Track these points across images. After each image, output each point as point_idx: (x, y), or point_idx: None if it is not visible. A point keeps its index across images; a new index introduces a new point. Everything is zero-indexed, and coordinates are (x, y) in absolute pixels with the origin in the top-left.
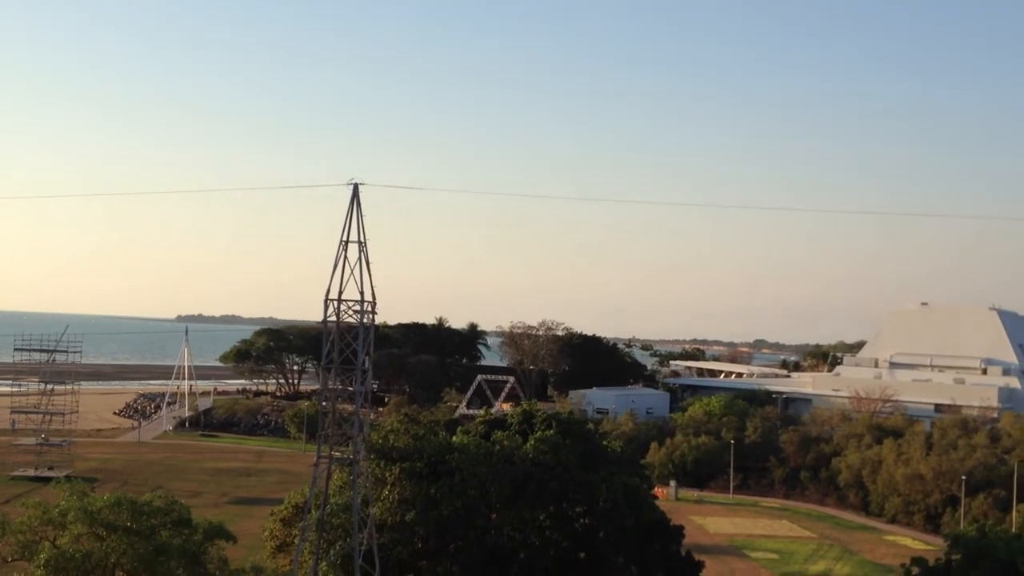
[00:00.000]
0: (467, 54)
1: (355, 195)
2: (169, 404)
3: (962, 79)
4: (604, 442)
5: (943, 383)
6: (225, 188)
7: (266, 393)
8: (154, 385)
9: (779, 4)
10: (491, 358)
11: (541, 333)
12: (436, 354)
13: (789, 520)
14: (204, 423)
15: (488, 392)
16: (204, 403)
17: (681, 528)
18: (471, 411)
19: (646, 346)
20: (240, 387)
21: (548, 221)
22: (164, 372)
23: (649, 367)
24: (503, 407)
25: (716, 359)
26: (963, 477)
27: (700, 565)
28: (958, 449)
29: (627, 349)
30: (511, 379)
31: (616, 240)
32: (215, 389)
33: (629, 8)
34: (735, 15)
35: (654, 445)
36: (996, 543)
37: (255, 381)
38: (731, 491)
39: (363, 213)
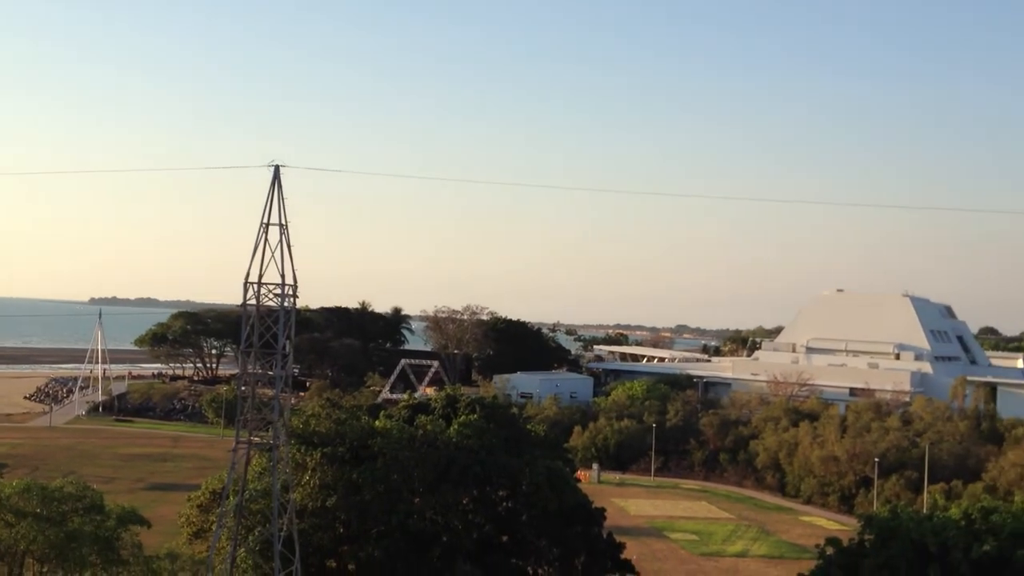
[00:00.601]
0: (400, 37)
1: (276, 177)
2: (82, 388)
3: (878, 70)
4: (528, 426)
5: (858, 368)
6: (143, 169)
7: (183, 377)
8: (66, 369)
9: None
10: (415, 343)
11: (466, 318)
12: (359, 338)
13: (708, 502)
14: (118, 408)
15: (412, 376)
16: (118, 387)
17: (603, 510)
18: (394, 396)
19: (570, 331)
20: (156, 371)
21: (473, 206)
22: (77, 356)
23: (573, 352)
24: (427, 391)
25: (639, 344)
26: (876, 459)
27: (621, 546)
28: (872, 432)
29: (552, 334)
30: (435, 363)
31: (541, 226)
32: (130, 373)
33: None
34: None
35: (577, 429)
36: (907, 523)
37: (172, 365)
38: (652, 473)
39: (285, 196)
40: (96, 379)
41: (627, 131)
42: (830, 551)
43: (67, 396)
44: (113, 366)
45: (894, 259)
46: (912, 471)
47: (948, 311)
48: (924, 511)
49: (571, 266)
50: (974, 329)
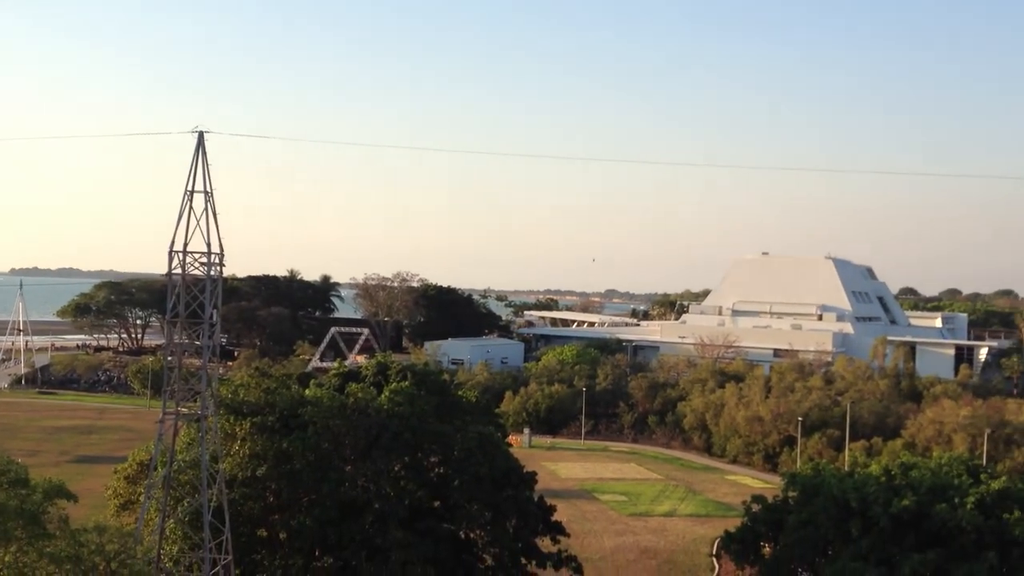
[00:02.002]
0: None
1: (200, 143)
2: (3, 361)
3: (807, 34)
4: (459, 392)
5: (782, 329)
6: (65, 136)
7: (108, 348)
8: None
9: None
10: (345, 310)
11: (396, 285)
12: (288, 307)
13: (637, 463)
14: (42, 380)
15: (342, 345)
16: (41, 359)
17: (534, 474)
18: (325, 364)
19: (501, 297)
20: (80, 342)
21: (403, 172)
22: None
23: (504, 318)
24: (357, 359)
25: (569, 309)
26: (799, 418)
27: (552, 509)
28: (795, 392)
29: (482, 300)
30: (365, 331)
31: (470, 191)
32: (53, 345)
33: None
34: None
35: (509, 394)
36: (829, 480)
37: (96, 336)
38: (583, 437)
39: (210, 163)
40: (18, 351)
41: (556, 92)
42: (756, 508)
43: None
44: (35, 338)
45: (818, 221)
46: (834, 429)
47: (869, 272)
48: (845, 468)
49: (501, 232)
50: (894, 290)
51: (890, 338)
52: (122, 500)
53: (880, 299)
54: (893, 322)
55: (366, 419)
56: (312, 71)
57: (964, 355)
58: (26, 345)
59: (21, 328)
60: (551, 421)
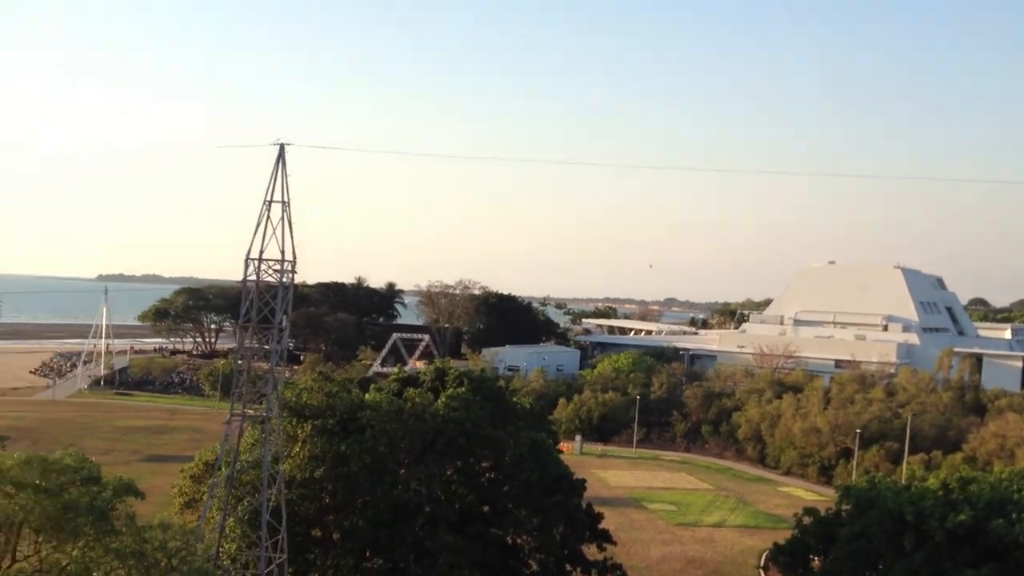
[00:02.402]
0: (404, 25)
1: (280, 155)
2: (85, 363)
3: (875, 39)
4: (514, 399)
5: (844, 339)
6: (151, 145)
7: (183, 352)
8: (71, 344)
9: None
10: (408, 317)
11: (458, 292)
12: (354, 313)
13: (688, 473)
14: (119, 381)
15: (403, 350)
16: (120, 362)
17: (583, 481)
18: (385, 369)
19: (560, 305)
20: (157, 346)
21: (467, 181)
22: (83, 331)
23: (562, 325)
24: (417, 365)
25: (627, 317)
26: (858, 431)
27: (599, 516)
28: (855, 403)
29: (541, 308)
30: (426, 337)
31: (534, 199)
32: (131, 348)
33: None
34: None
35: (562, 401)
36: (885, 493)
37: (172, 340)
38: (634, 445)
39: (288, 173)
40: (99, 353)
41: (627, 106)
42: (807, 520)
43: (71, 370)
44: (116, 341)
45: (888, 232)
46: (893, 442)
47: (939, 283)
48: (902, 482)
49: (564, 240)
50: (964, 300)
51: (957, 349)
52: (187, 498)
53: (949, 309)
54: (961, 333)
55: (422, 424)
56: (382, 85)
57: None
58: (107, 348)
59: (104, 331)
60: (603, 429)
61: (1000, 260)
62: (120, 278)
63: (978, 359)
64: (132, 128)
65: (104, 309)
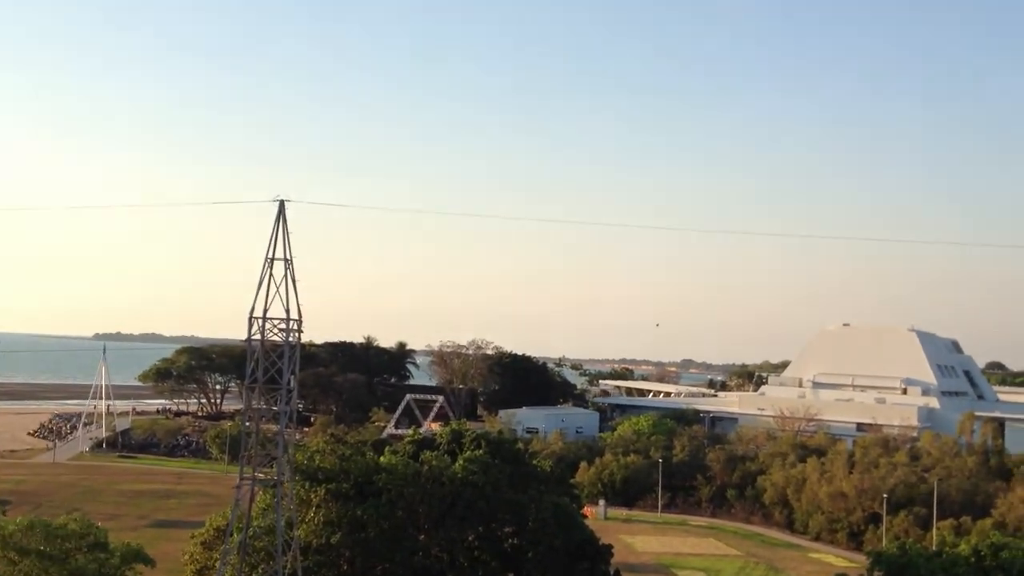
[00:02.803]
0: (404, 71)
1: (281, 211)
2: (86, 424)
3: (893, 91)
4: (534, 462)
5: (865, 402)
6: (146, 204)
7: (187, 413)
8: (70, 405)
9: None
10: (420, 377)
11: (471, 352)
12: (364, 373)
13: (716, 538)
14: (122, 444)
15: (417, 412)
16: (122, 423)
17: (610, 547)
18: (399, 431)
19: (575, 365)
20: (160, 407)
21: (478, 239)
22: (81, 391)
23: (579, 386)
24: (432, 427)
25: (645, 379)
26: (884, 495)
27: None
28: (879, 467)
29: (557, 368)
30: (440, 398)
31: (546, 259)
32: (133, 409)
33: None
34: None
35: (583, 464)
36: (916, 560)
37: (176, 401)
38: (659, 509)
39: (289, 230)
40: (100, 415)
41: (631, 164)
42: None
43: (71, 432)
44: (117, 402)
45: (901, 293)
46: (921, 507)
47: (955, 345)
48: (933, 548)
49: (577, 301)
50: (981, 364)
51: (978, 413)
52: (199, 566)
53: (966, 373)
54: (980, 397)
55: (440, 487)
56: (389, 139)
57: None
58: (108, 409)
59: (104, 392)
60: (627, 493)
61: (1017, 324)
62: (118, 336)
63: (1000, 423)
64: (126, 183)
65: (103, 369)
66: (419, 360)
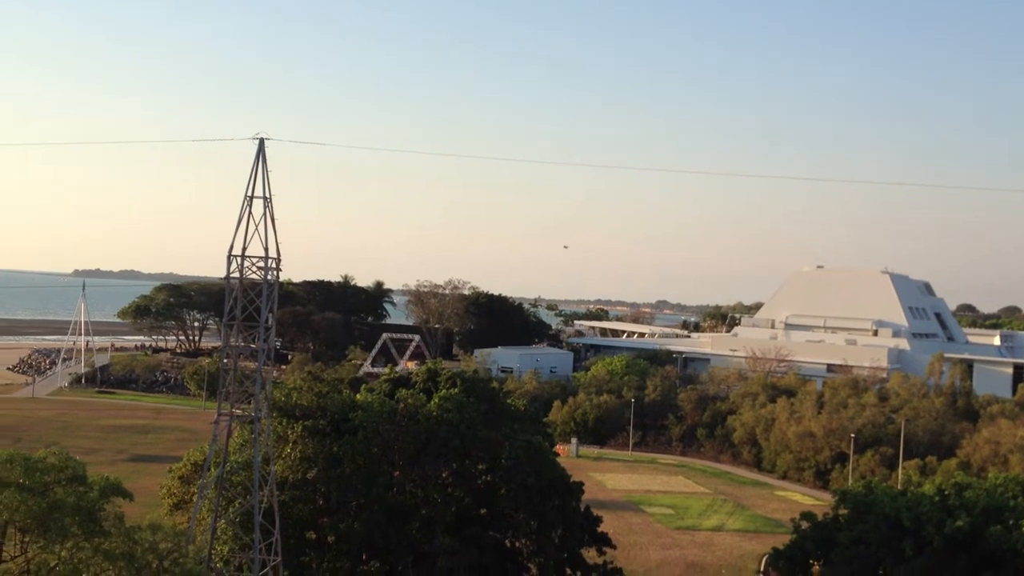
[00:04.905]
0: (391, 10)
1: (261, 150)
2: (65, 360)
3: (852, 46)
4: (508, 401)
5: (836, 344)
6: (126, 140)
7: (165, 350)
8: (50, 341)
9: None
10: (397, 317)
11: (448, 292)
12: (341, 312)
13: (685, 476)
14: (101, 380)
15: (393, 351)
16: (101, 359)
17: (580, 484)
18: (376, 369)
19: (551, 306)
20: (139, 343)
21: (458, 181)
22: (60, 328)
23: (554, 327)
24: (408, 365)
25: (619, 319)
26: (852, 435)
27: (598, 520)
28: (848, 408)
29: (532, 309)
30: (416, 338)
31: (523, 201)
32: (112, 345)
33: None
34: None
35: (557, 403)
36: (882, 498)
37: (154, 338)
38: (630, 448)
39: (270, 169)
40: (79, 351)
41: (615, 107)
42: (805, 525)
43: (50, 368)
44: (96, 338)
45: (875, 237)
46: (887, 447)
47: (927, 288)
48: (898, 487)
49: (554, 242)
50: (952, 307)
51: (947, 355)
52: (176, 500)
53: (937, 315)
54: (950, 339)
55: (415, 425)
56: (369, 78)
57: (1023, 374)
58: (87, 345)
59: (83, 328)
60: (599, 431)
61: (988, 266)
62: (97, 273)
63: (969, 365)
64: (108, 121)
65: (82, 305)
66: (396, 300)
